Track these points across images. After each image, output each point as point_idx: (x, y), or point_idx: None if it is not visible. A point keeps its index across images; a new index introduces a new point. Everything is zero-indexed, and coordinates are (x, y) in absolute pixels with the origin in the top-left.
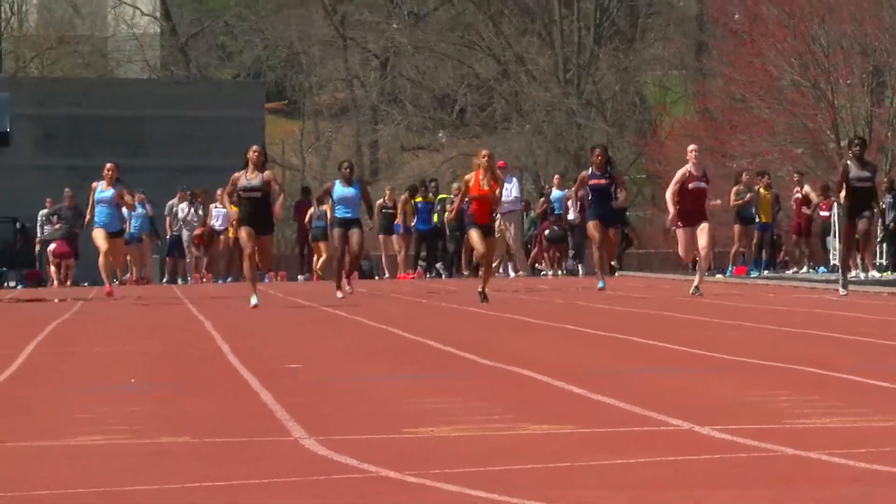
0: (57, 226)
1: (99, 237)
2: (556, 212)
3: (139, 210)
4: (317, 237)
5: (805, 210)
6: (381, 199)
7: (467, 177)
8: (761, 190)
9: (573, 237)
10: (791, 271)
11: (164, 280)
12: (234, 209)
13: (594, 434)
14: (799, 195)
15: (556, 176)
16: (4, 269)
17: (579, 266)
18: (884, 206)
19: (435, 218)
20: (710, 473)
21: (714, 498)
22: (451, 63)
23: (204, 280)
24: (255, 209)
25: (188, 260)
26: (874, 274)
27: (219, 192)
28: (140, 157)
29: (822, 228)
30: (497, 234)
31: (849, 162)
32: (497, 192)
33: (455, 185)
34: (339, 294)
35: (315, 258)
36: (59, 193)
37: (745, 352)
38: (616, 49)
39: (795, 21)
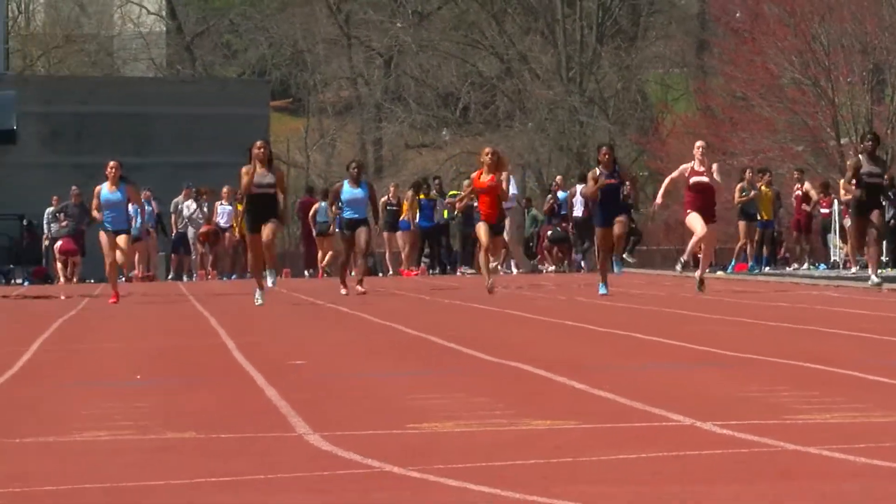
0: (64, 223)
1: (105, 242)
2: (562, 211)
3: (146, 207)
4: (322, 231)
5: (805, 207)
6: (386, 197)
7: (473, 175)
8: (762, 187)
9: (578, 233)
10: (791, 268)
11: (170, 277)
12: (239, 206)
13: (596, 429)
14: (799, 192)
15: (559, 177)
16: (11, 266)
17: (582, 262)
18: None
19: (445, 214)
20: (711, 468)
21: (715, 493)
22: (454, 61)
23: (209, 277)
24: (265, 205)
25: (193, 257)
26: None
27: (225, 189)
28: (146, 154)
29: (822, 225)
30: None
31: (860, 157)
32: (503, 185)
33: (465, 183)
34: (343, 291)
35: (320, 254)
36: (65, 191)
37: (746, 348)
38: (618, 47)
39: (796, 19)
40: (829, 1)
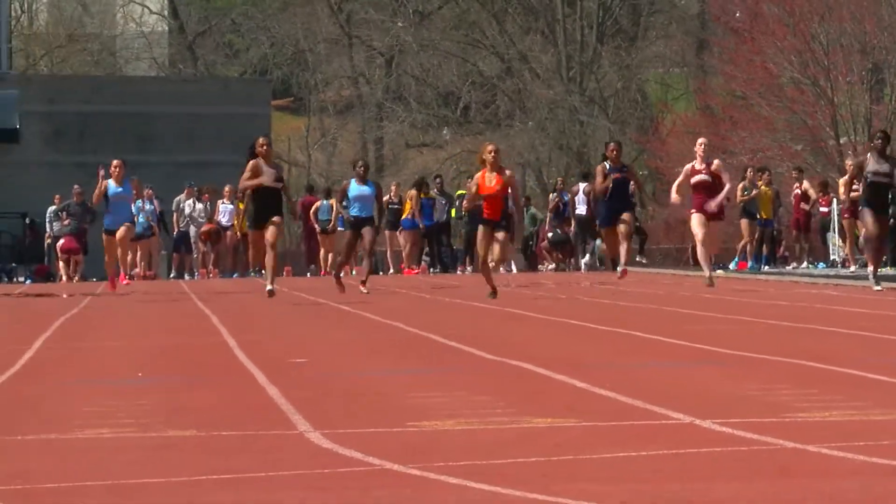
0: (66, 222)
1: (107, 241)
2: (564, 212)
3: (147, 206)
4: (325, 229)
5: (804, 206)
6: (388, 196)
7: (476, 176)
8: (762, 186)
9: (580, 231)
10: (790, 266)
11: (171, 275)
12: (241, 205)
13: (597, 427)
14: (798, 191)
15: (560, 179)
16: (14, 264)
17: (587, 258)
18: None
19: (453, 213)
20: (711, 466)
21: (715, 490)
22: (455, 61)
23: (211, 275)
24: (272, 200)
25: (195, 255)
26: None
27: (226, 188)
28: (148, 153)
29: (821, 224)
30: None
31: (868, 155)
32: (512, 180)
33: (470, 184)
34: (339, 289)
35: (322, 252)
36: (68, 190)
37: (745, 346)
38: (618, 47)
39: (795, 19)
40: (828, 1)
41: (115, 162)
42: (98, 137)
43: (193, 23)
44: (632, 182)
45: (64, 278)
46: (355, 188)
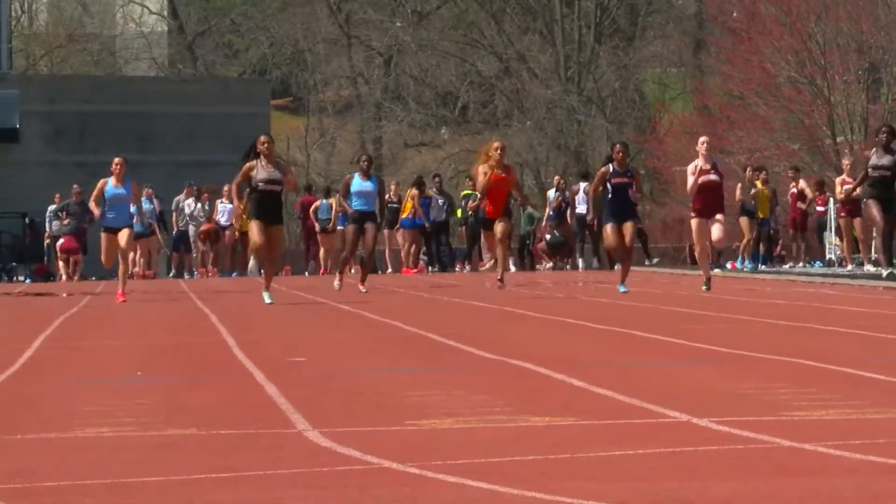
0: (66, 221)
1: (106, 244)
2: (566, 211)
3: (147, 206)
4: (325, 228)
5: (801, 205)
6: (387, 195)
7: (484, 169)
8: (759, 185)
9: (580, 231)
10: (787, 265)
11: (171, 275)
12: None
13: (594, 426)
14: (795, 190)
15: (557, 177)
16: (14, 263)
17: (580, 260)
18: None
19: (458, 213)
20: (708, 465)
21: (712, 489)
22: (453, 61)
23: (210, 274)
24: (271, 202)
25: (194, 255)
26: (868, 268)
27: (225, 188)
28: (148, 152)
29: (817, 223)
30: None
31: (874, 150)
32: (514, 180)
33: (480, 176)
34: (337, 283)
35: (322, 252)
36: (68, 189)
37: (743, 345)
38: (616, 47)
39: (792, 19)
40: (825, 0)
41: (116, 160)
42: (98, 137)
43: (193, 23)
44: (637, 186)
45: (63, 277)
46: (358, 183)
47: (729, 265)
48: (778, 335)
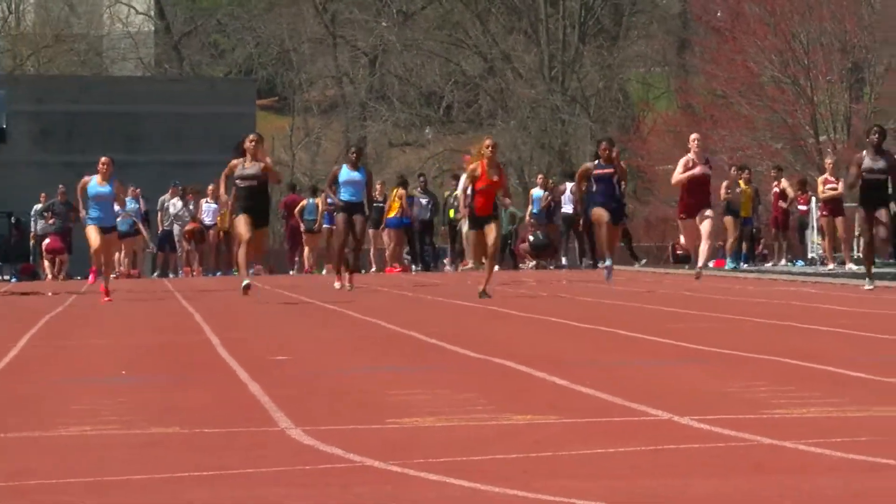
0: (51, 221)
1: (92, 234)
2: (554, 212)
3: (133, 205)
4: (310, 228)
5: (782, 204)
6: (373, 194)
7: (473, 167)
8: (742, 184)
9: (566, 230)
10: (769, 264)
11: (156, 274)
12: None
13: (576, 424)
14: (777, 190)
15: (540, 176)
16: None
17: (564, 258)
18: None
19: (451, 214)
20: (688, 462)
21: (692, 487)
22: (438, 60)
23: (194, 274)
24: (252, 199)
25: (179, 254)
26: (851, 267)
27: (210, 187)
28: (136, 152)
29: (799, 222)
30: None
31: (864, 151)
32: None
33: (464, 178)
34: (338, 284)
35: (307, 251)
36: (55, 189)
37: (724, 343)
38: (600, 46)
39: (776, 19)
40: (808, 0)
41: (102, 159)
42: (86, 137)
43: (179, 23)
44: (622, 180)
45: (49, 277)
46: (346, 173)
47: (712, 263)
48: (760, 333)
